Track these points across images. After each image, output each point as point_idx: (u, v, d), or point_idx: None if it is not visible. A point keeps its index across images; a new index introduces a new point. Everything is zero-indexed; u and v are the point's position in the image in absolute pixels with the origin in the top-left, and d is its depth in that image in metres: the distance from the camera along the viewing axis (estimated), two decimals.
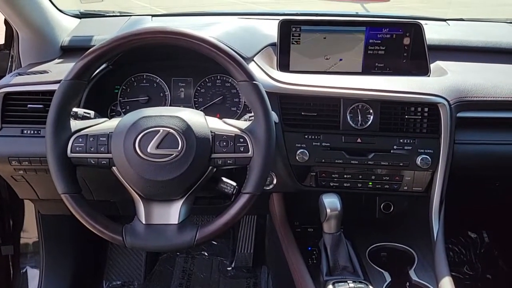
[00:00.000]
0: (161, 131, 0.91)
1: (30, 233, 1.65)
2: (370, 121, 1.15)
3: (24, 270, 1.66)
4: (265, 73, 1.18)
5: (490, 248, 1.79)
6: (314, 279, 1.05)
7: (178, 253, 1.91)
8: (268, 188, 1.20)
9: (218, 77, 1.31)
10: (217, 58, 0.94)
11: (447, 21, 1.62)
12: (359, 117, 1.15)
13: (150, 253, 1.86)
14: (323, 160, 1.16)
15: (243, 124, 0.98)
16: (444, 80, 1.21)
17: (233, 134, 0.96)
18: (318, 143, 1.15)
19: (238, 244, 1.86)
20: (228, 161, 0.96)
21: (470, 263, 1.76)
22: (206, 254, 1.91)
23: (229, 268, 1.87)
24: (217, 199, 1.36)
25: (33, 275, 1.62)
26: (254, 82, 0.95)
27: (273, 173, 1.19)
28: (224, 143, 0.95)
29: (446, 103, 1.13)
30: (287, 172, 1.17)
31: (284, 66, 1.29)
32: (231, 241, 1.92)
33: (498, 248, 1.78)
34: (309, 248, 1.18)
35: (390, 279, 1.05)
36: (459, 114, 1.16)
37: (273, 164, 1.14)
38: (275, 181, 1.19)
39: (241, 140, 0.95)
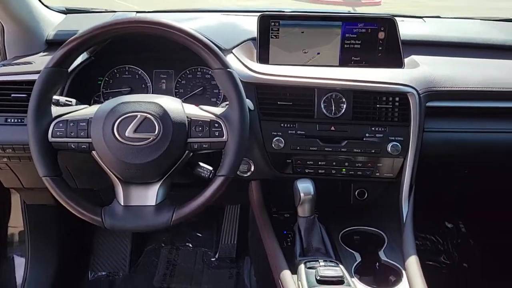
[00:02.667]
0: (138, 116, 0.95)
1: (16, 223, 1.67)
2: (343, 110, 1.19)
3: (11, 259, 1.69)
4: (243, 64, 1.23)
5: (466, 238, 1.84)
6: (288, 261, 1.09)
7: (163, 245, 1.94)
8: (246, 175, 1.24)
9: (199, 69, 1.35)
10: (193, 47, 0.99)
11: (424, 18, 1.68)
12: (333, 106, 1.19)
13: (135, 245, 1.89)
14: (298, 148, 1.20)
15: (218, 110, 1.03)
16: (414, 72, 1.26)
17: (209, 120, 1.00)
18: (294, 131, 1.20)
19: (222, 235, 1.90)
20: (204, 145, 1.00)
21: (447, 252, 1.81)
22: (190, 245, 1.95)
23: (213, 259, 1.91)
24: (196, 187, 1.40)
25: (20, 264, 1.65)
26: (229, 69, 0.99)
27: (251, 161, 1.23)
28: (200, 128, 0.99)
29: (415, 92, 1.18)
30: (264, 160, 1.22)
31: (264, 59, 1.33)
32: (215, 233, 1.96)
33: (474, 237, 1.84)
34: (285, 232, 1.22)
35: (360, 259, 1.10)
36: (428, 104, 1.21)
37: (248, 149, 1.19)
38: (252, 168, 1.24)
39: (216, 125, 0.99)
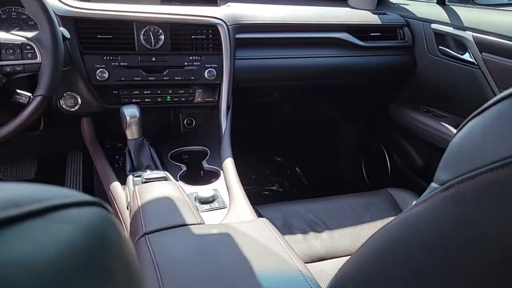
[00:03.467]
0: None
1: None
2: (162, 42, 1.31)
3: None
4: (58, 0, 1.25)
5: (294, 168, 2.13)
6: (119, 177, 1.17)
7: None
8: (73, 109, 1.28)
9: (13, 9, 1.32)
10: None
11: None
12: (152, 38, 1.30)
13: None
14: (122, 79, 1.28)
15: (29, 34, 1.05)
16: (224, 9, 1.43)
17: (20, 43, 1.02)
18: (117, 63, 1.27)
19: (66, 184, 1.86)
20: (17, 68, 1.02)
21: (280, 182, 2.07)
22: None
23: None
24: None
25: None
26: None
27: (78, 95, 1.27)
28: (11, 51, 1.01)
29: (224, 25, 1.35)
30: (90, 92, 1.27)
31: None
32: (59, 183, 1.90)
33: (300, 167, 2.13)
34: (117, 157, 1.30)
35: (186, 169, 1.23)
36: (237, 36, 1.39)
37: (71, 83, 1.23)
38: (80, 102, 1.28)
39: (28, 47, 1.02)
